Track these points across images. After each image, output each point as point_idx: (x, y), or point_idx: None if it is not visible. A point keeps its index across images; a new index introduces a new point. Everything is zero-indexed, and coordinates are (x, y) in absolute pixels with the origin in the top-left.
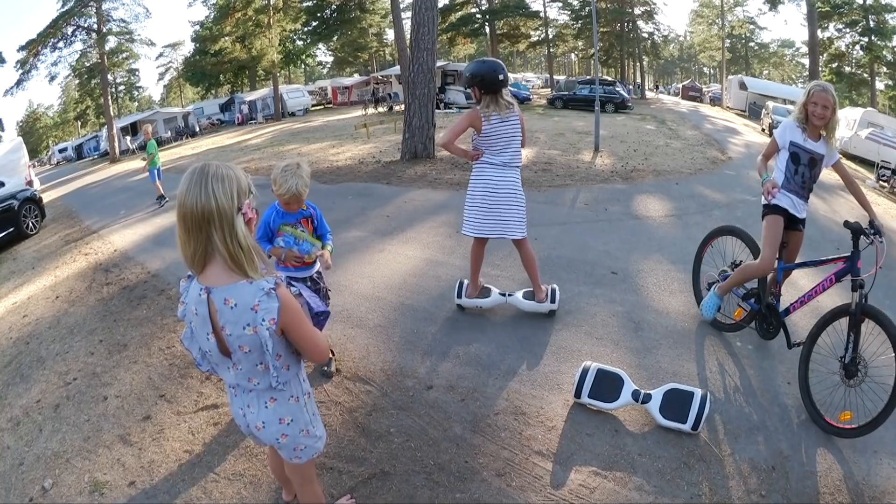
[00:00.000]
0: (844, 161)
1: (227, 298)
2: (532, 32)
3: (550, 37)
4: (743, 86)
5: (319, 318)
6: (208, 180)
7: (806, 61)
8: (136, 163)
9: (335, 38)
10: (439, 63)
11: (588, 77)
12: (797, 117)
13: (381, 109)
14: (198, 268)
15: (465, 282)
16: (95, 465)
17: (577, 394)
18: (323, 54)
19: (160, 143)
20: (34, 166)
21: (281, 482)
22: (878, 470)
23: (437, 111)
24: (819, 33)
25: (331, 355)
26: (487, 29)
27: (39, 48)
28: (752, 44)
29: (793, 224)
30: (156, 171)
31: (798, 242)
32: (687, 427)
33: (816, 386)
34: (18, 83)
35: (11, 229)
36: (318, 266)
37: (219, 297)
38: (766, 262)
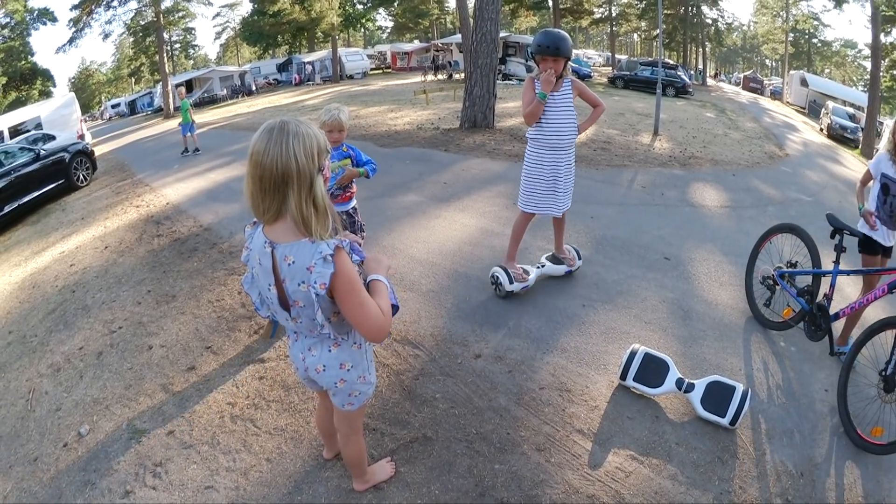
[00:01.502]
0: None
1: (287, 255)
2: (595, 9)
3: (614, 15)
4: (804, 82)
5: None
6: (289, 139)
7: (868, 64)
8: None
9: (396, 4)
10: (501, 34)
11: (650, 59)
12: (888, 148)
13: (440, 77)
14: (268, 222)
15: (500, 272)
16: (135, 413)
17: (623, 376)
18: (383, 19)
19: (215, 100)
20: (86, 121)
21: (325, 438)
22: None
23: (497, 82)
24: (882, 37)
25: None
26: (550, 2)
27: (93, 7)
28: (815, 40)
29: (883, 252)
30: (187, 126)
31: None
32: (725, 422)
33: (852, 397)
34: (71, 41)
35: (62, 181)
36: (354, 202)
37: (281, 252)
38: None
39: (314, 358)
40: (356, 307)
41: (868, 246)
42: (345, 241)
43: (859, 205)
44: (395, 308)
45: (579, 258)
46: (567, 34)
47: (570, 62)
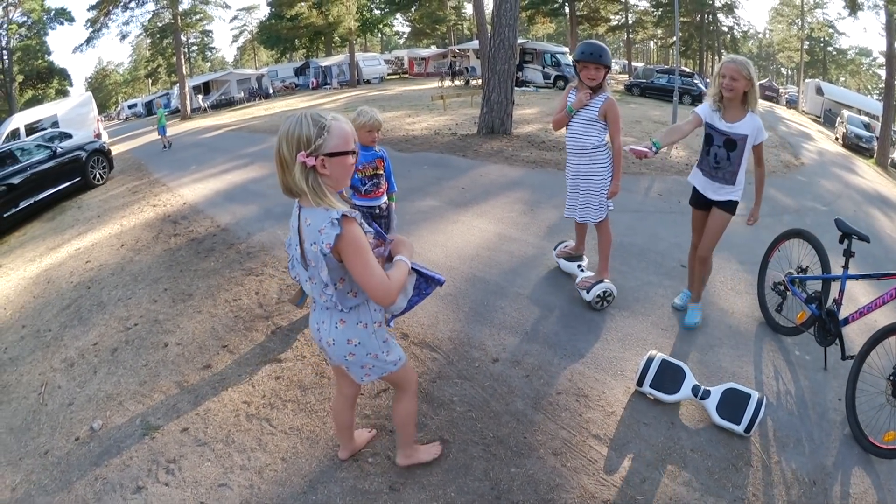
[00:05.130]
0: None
1: (307, 217)
2: (612, 16)
3: (630, 22)
4: (819, 91)
5: (426, 286)
6: (281, 138)
7: (882, 72)
8: (207, 120)
9: (413, 9)
10: (518, 41)
11: (666, 66)
12: (712, 93)
13: (457, 82)
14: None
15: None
16: (149, 410)
17: (640, 382)
18: (400, 24)
19: (233, 102)
20: (102, 121)
21: (340, 433)
22: None
23: (515, 88)
24: None
25: None
26: (567, 9)
27: (111, 7)
28: (830, 48)
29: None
30: (162, 129)
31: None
32: (740, 429)
33: (863, 405)
34: (88, 41)
35: (78, 179)
36: (384, 199)
37: (304, 215)
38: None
39: (325, 331)
40: (361, 268)
41: (694, 199)
42: (355, 212)
43: (653, 140)
44: (438, 282)
45: (588, 292)
46: (607, 47)
47: (609, 72)
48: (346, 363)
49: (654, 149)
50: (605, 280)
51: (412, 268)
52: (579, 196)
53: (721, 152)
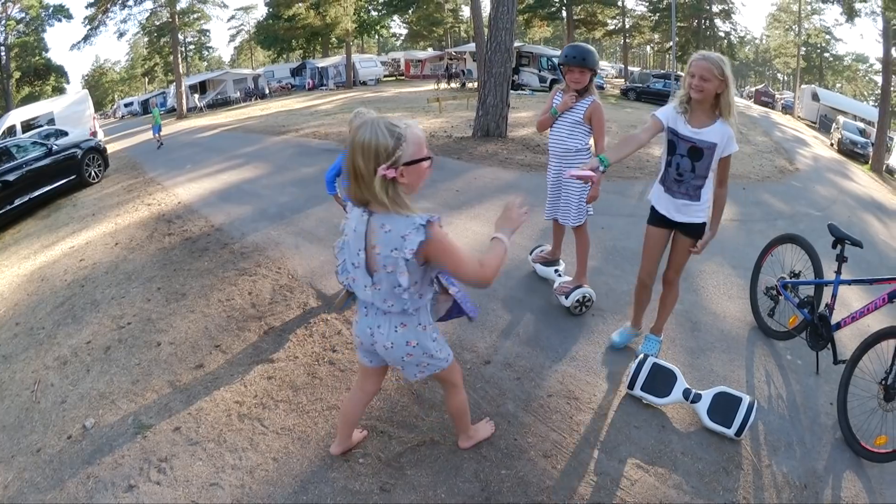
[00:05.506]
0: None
1: (384, 224)
2: (609, 21)
3: (627, 27)
4: (815, 97)
5: (457, 312)
6: (355, 150)
7: (879, 79)
8: (203, 120)
9: (410, 11)
10: (515, 44)
11: (662, 71)
12: (681, 96)
13: (453, 85)
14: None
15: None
16: (141, 409)
17: (631, 385)
18: (397, 26)
19: (229, 102)
20: (98, 119)
21: (342, 427)
22: None
23: (510, 92)
24: (893, 52)
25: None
26: (564, 13)
27: (109, 5)
28: (826, 54)
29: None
30: (157, 128)
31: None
32: (731, 432)
33: (855, 409)
34: (86, 38)
35: (73, 177)
36: None
37: (378, 220)
38: None
39: (382, 335)
40: (453, 265)
41: (654, 217)
42: (435, 216)
43: (601, 156)
44: (469, 317)
45: (566, 297)
46: (593, 49)
47: (595, 76)
48: (402, 363)
49: (601, 168)
50: (584, 285)
51: (448, 291)
52: (560, 198)
53: (685, 162)
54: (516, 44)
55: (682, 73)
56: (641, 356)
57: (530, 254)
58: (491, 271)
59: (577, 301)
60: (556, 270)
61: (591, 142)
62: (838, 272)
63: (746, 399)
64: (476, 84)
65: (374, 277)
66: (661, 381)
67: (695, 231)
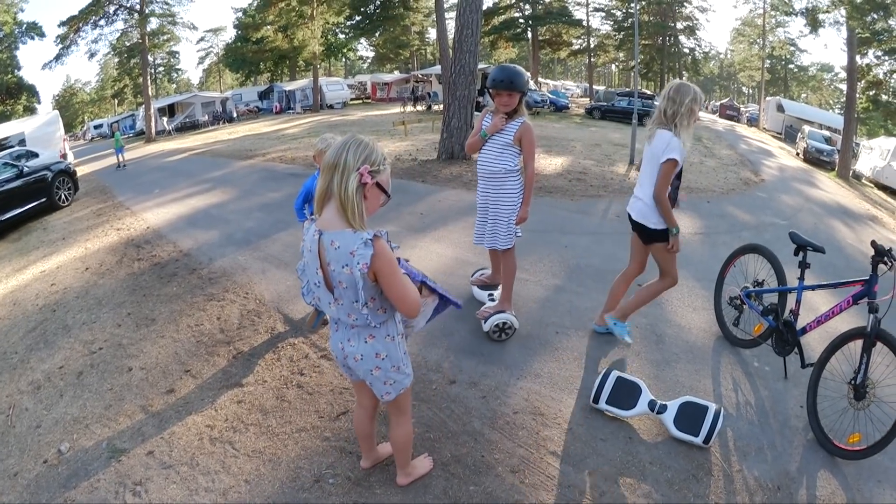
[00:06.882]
0: None
1: (333, 241)
2: (574, 41)
3: (592, 46)
4: (780, 108)
5: (442, 307)
6: (348, 145)
7: (844, 87)
8: (171, 144)
9: (377, 34)
10: (480, 66)
11: (627, 89)
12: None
13: (419, 108)
14: (319, 209)
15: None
16: (115, 433)
17: (596, 399)
18: (364, 49)
19: (197, 125)
20: (68, 140)
21: (362, 442)
22: (881, 498)
23: (475, 113)
24: (858, 59)
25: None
26: (530, 34)
27: (80, 25)
28: (791, 66)
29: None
30: (120, 150)
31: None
32: (699, 440)
33: (826, 410)
34: (57, 58)
35: (43, 199)
36: None
37: (327, 238)
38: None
39: (353, 348)
40: (397, 285)
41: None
42: (382, 231)
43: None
44: (455, 306)
45: (485, 322)
46: (523, 69)
47: (525, 96)
48: (370, 378)
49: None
50: (507, 311)
51: (434, 290)
52: (487, 221)
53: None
54: (481, 66)
55: (646, 91)
56: (605, 370)
57: (472, 276)
58: (419, 299)
59: (497, 326)
60: (491, 295)
61: (520, 162)
62: (801, 278)
63: (713, 407)
64: (442, 107)
65: (335, 293)
66: (625, 393)
67: (662, 235)
